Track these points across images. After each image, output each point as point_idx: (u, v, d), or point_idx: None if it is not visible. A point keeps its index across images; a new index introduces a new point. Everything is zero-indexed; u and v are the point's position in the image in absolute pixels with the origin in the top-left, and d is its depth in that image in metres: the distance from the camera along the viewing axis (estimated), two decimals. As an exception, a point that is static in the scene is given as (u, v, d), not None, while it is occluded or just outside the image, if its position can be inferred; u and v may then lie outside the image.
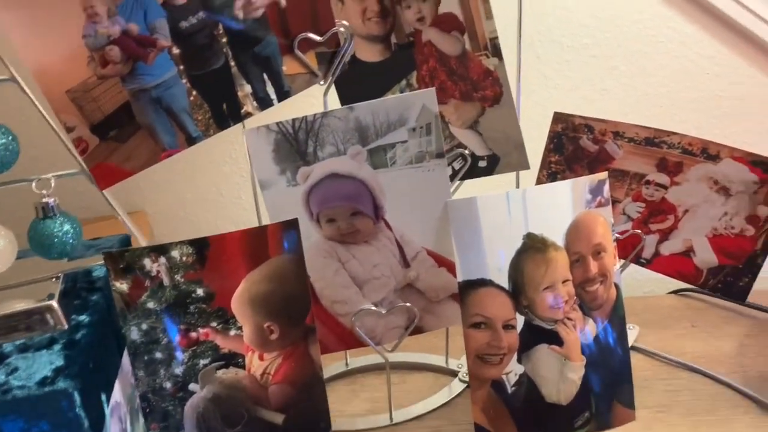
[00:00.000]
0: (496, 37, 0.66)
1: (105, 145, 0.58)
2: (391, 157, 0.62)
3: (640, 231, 0.76)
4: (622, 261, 0.78)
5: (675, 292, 0.94)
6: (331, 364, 0.82)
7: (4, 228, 0.57)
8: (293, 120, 0.60)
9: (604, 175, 0.65)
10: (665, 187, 0.75)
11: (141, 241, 0.66)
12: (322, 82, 0.66)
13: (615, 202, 0.77)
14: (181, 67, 0.59)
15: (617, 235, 0.77)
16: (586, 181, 0.65)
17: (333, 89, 0.68)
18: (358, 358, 0.82)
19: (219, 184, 1.00)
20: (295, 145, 0.61)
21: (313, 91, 0.67)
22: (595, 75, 0.96)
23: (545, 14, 0.93)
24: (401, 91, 0.69)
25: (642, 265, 0.79)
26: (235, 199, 1.01)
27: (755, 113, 0.99)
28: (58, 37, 0.54)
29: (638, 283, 1.00)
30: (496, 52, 0.66)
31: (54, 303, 0.55)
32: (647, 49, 0.96)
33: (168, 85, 0.59)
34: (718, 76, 0.96)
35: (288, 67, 0.64)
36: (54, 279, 0.59)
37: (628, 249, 0.78)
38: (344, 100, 0.69)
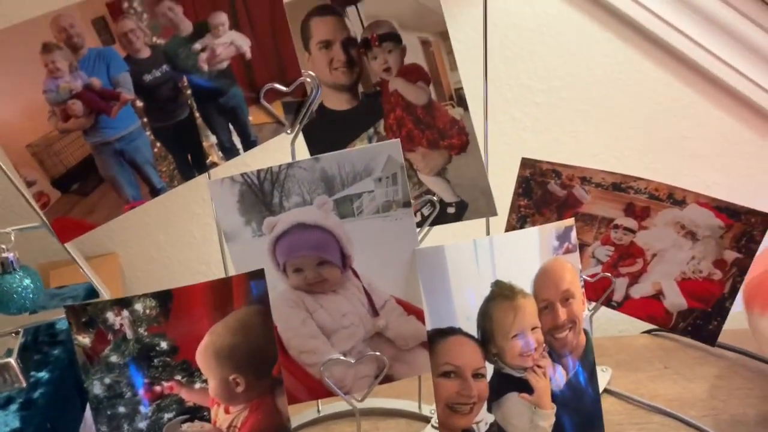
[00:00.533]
0: (461, 88, 0.66)
1: (67, 199, 0.57)
2: (358, 207, 0.62)
3: (609, 274, 0.77)
4: (593, 303, 0.78)
5: (648, 331, 0.94)
6: (303, 411, 0.81)
7: (-38, 283, 0.56)
8: (258, 171, 0.60)
9: (570, 221, 0.66)
10: (633, 231, 0.76)
11: (103, 292, 0.65)
12: (289, 131, 0.67)
13: (584, 245, 0.78)
14: (145, 120, 0.59)
15: (587, 278, 0.77)
16: (552, 228, 0.65)
17: (301, 137, 0.68)
18: (330, 405, 0.81)
19: (191, 225, 0.99)
20: (260, 196, 0.61)
21: (280, 140, 0.67)
22: (564, 117, 0.98)
23: (515, 58, 0.94)
24: (369, 139, 0.70)
25: (613, 307, 0.79)
26: (207, 240, 1.00)
27: (722, 154, 1.00)
28: (18, 93, 0.53)
29: (612, 323, 1.00)
30: (462, 102, 0.67)
31: (11, 360, 0.54)
32: (615, 92, 0.97)
33: (131, 138, 0.59)
34: (685, 118, 0.98)
35: (254, 117, 0.64)
36: (13, 334, 0.58)
37: (599, 292, 0.78)
38: (312, 148, 0.70)
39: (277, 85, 0.63)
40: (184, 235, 0.99)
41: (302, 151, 0.68)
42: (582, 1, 0.92)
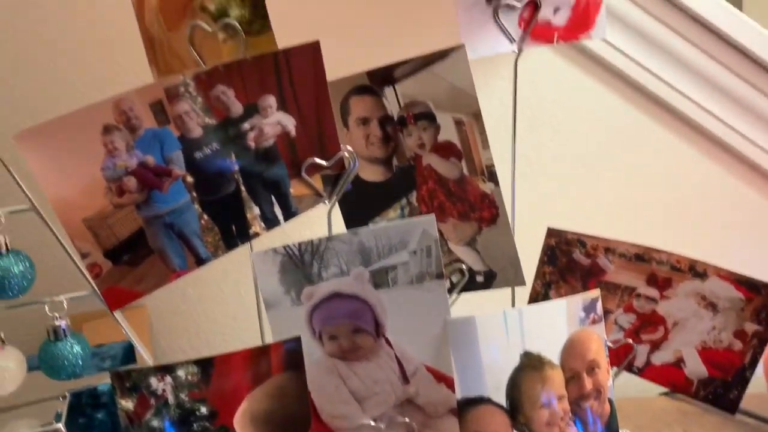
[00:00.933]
0: (492, 165, 0.69)
1: (118, 269, 0.60)
2: (393, 278, 0.65)
3: (631, 340, 0.78)
4: (615, 369, 0.80)
5: (666, 393, 0.95)
6: (328, 470, 0.82)
7: (14, 349, 0.59)
8: (299, 243, 0.63)
9: (596, 293, 0.68)
10: (655, 301, 0.78)
11: (147, 357, 0.67)
12: (326, 201, 0.69)
13: (607, 312, 0.80)
14: (194, 194, 0.62)
15: (609, 344, 0.79)
16: (579, 299, 0.68)
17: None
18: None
19: (220, 281, 1.02)
20: (300, 267, 0.63)
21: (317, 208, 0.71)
22: (588, 185, 1.01)
23: (539, 126, 0.98)
24: (401, 209, 0.73)
25: (634, 373, 0.81)
26: (235, 295, 1.02)
27: (744, 226, 1.03)
28: (78, 171, 0.56)
29: (631, 382, 1.01)
30: (492, 178, 0.70)
31: (61, 426, 0.56)
32: (639, 162, 1.00)
33: (181, 211, 0.62)
34: (707, 190, 1.01)
35: (295, 189, 0.67)
36: (61, 398, 0.61)
37: (621, 358, 0.80)
38: (347, 216, 0.72)
39: (318, 160, 0.66)
40: (213, 289, 1.02)
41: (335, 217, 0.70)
42: (603, 74, 0.96)
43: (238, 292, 1.02)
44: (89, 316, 0.92)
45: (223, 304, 1.03)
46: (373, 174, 0.72)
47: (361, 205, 0.73)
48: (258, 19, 0.62)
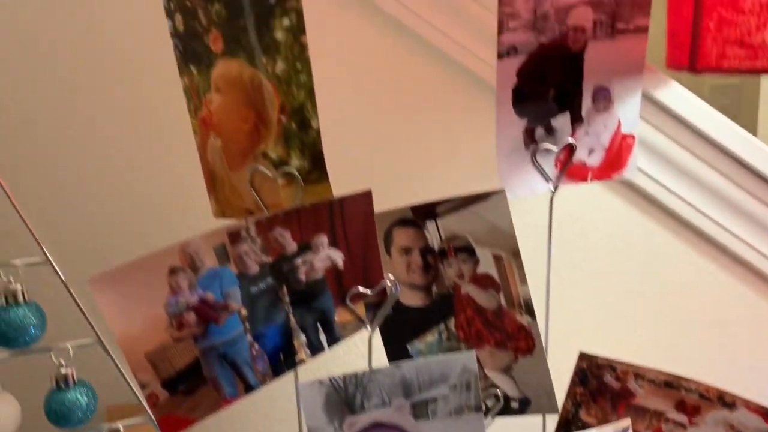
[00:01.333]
0: (529, 299, 0.72)
1: (174, 398, 0.63)
2: (432, 410, 0.67)
3: (660, 462, 0.80)
4: (644, 489, 0.81)
5: None
6: None
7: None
8: (344, 376, 0.66)
9: (627, 422, 0.70)
10: (684, 426, 0.79)
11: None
12: (368, 327, 0.72)
13: (636, 434, 0.81)
14: (247, 325, 0.65)
15: (639, 465, 0.80)
16: (611, 429, 0.70)
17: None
18: None
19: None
20: (344, 397, 0.66)
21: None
22: (619, 310, 1.04)
23: (569, 243, 1.01)
24: (439, 334, 0.76)
25: (663, 495, 0.82)
26: (266, 395, 1.04)
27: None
28: (144, 309, 0.60)
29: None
30: (529, 311, 0.73)
31: None
32: (673, 290, 1.04)
33: (234, 342, 0.65)
34: (742, 317, 1.03)
35: (339, 316, 0.71)
36: None
37: (650, 479, 0.81)
38: (386, 339, 0.75)
39: (362, 289, 0.69)
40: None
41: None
42: (639, 200, 0.99)
43: (271, 396, 1.04)
44: (123, 407, 0.94)
45: (257, 403, 1.05)
46: (412, 299, 0.75)
47: (401, 328, 0.76)
48: (316, 169, 0.66)
